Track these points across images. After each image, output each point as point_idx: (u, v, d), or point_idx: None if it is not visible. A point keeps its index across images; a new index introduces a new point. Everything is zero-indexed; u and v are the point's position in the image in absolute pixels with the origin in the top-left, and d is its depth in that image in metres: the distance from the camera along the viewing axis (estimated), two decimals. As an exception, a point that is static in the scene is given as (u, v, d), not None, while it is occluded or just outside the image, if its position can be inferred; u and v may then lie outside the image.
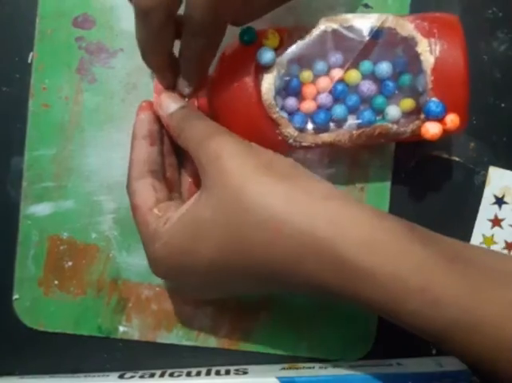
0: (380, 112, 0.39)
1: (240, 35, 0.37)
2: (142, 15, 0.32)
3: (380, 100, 0.39)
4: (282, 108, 0.39)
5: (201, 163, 0.34)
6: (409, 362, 0.41)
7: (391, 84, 0.38)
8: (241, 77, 0.37)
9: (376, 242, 0.31)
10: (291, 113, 0.39)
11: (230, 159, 0.33)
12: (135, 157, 0.38)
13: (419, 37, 0.37)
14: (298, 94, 0.39)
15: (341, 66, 0.39)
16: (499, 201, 0.43)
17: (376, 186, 0.42)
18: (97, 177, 0.42)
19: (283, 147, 0.38)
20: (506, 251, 0.42)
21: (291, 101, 0.39)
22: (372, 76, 0.39)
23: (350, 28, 0.37)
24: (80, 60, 0.42)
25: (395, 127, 0.38)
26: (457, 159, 0.43)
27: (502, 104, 0.43)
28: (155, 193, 0.37)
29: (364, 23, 0.37)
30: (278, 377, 0.38)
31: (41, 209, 0.42)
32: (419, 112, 0.38)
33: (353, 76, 0.38)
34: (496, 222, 0.43)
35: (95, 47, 0.41)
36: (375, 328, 0.42)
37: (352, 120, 0.39)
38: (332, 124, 0.39)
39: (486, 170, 0.43)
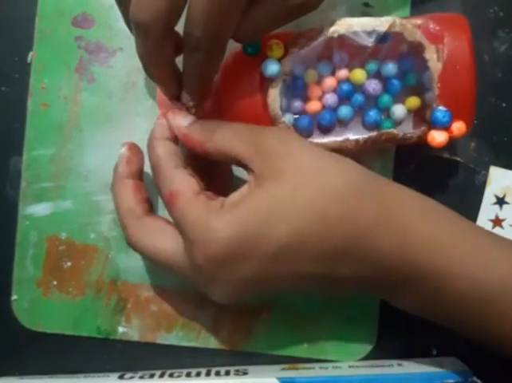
0: (385, 111, 0.39)
1: (244, 47, 0.38)
2: (141, 30, 0.33)
3: (385, 98, 0.39)
4: (288, 110, 0.39)
5: (256, 156, 0.35)
6: (409, 363, 0.41)
7: (396, 82, 0.39)
8: (246, 88, 0.38)
9: (429, 213, 0.35)
10: (297, 115, 0.39)
11: (296, 141, 0.35)
12: (163, 152, 0.36)
13: (426, 43, 0.37)
14: (304, 95, 0.39)
15: (346, 66, 0.39)
16: (500, 201, 0.43)
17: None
18: (96, 177, 0.42)
19: None
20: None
21: (297, 103, 0.39)
22: (377, 75, 0.39)
23: (356, 33, 0.37)
24: (80, 59, 0.42)
25: (401, 133, 0.38)
26: (458, 159, 0.43)
27: (503, 104, 0.43)
28: (195, 179, 0.36)
29: (370, 28, 0.37)
30: (278, 378, 0.38)
31: (40, 209, 0.42)
32: (424, 112, 0.38)
33: (359, 75, 0.38)
34: (497, 222, 0.43)
35: (94, 46, 0.42)
36: (375, 328, 0.43)
37: (357, 122, 0.39)
38: (337, 126, 0.40)
39: (487, 170, 0.43)
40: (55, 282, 0.42)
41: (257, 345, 0.43)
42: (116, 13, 0.41)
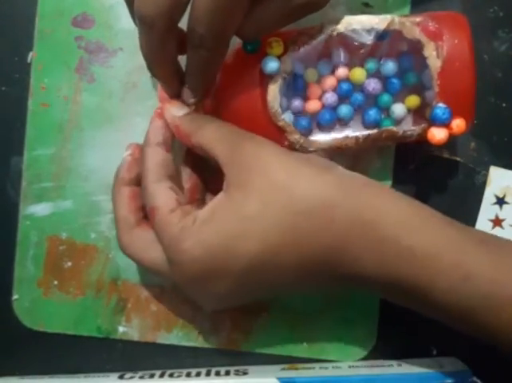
0: (385, 110, 0.39)
1: (243, 44, 0.38)
2: (145, 25, 0.33)
3: (385, 98, 0.39)
4: (288, 109, 0.39)
5: (232, 160, 0.35)
6: (409, 363, 0.41)
7: (396, 81, 0.39)
8: (246, 86, 0.38)
9: (413, 222, 0.34)
10: (296, 114, 0.39)
11: (272, 156, 0.35)
12: (151, 162, 0.37)
13: (425, 40, 0.37)
14: (303, 94, 0.39)
15: (346, 65, 0.39)
16: (500, 201, 0.43)
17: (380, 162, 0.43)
18: (96, 177, 0.42)
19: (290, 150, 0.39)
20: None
21: (297, 102, 0.39)
22: (377, 74, 0.39)
23: (355, 31, 0.37)
24: (80, 59, 0.42)
25: (401, 130, 0.38)
26: (458, 159, 0.43)
27: (503, 104, 0.43)
28: (175, 195, 0.37)
29: (369, 26, 0.37)
30: (278, 378, 0.38)
31: (40, 209, 0.42)
32: (424, 111, 0.38)
33: (358, 74, 0.39)
34: (497, 222, 0.43)
35: (94, 46, 0.42)
36: (375, 328, 0.43)
37: (357, 122, 0.39)
38: (337, 125, 0.40)
39: (487, 170, 0.43)
40: (55, 282, 0.42)
41: (257, 344, 0.43)
42: (116, 12, 0.42)
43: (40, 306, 0.42)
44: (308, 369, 0.41)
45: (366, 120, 0.39)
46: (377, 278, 0.34)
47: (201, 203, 0.39)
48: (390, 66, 0.39)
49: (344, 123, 0.40)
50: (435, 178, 0.43)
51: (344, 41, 0.38)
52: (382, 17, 0.37)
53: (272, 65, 0.37)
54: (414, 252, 0.33)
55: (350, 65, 0.39)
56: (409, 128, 0.38)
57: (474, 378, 0.39)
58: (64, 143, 0.42)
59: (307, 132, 0.39)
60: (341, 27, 0.37)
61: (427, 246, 0.33)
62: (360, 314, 0.43)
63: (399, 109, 0.39)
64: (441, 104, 0.37)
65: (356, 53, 0.38)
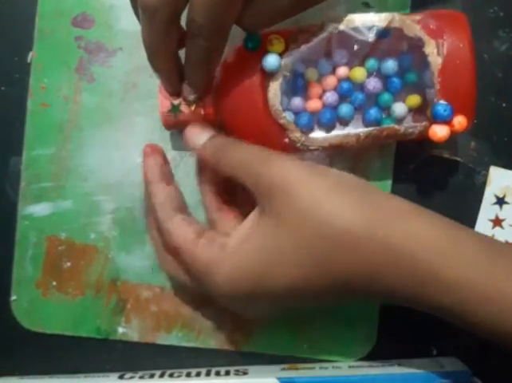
0: (386, 109, 0.39)
1: (244, 42, 0.38)
2: (148, 14, 0.33)
3: (385, 97, 0.39)
4: (288, 108, 0.39)
5: (260, 188, 0.34)
6: (409, 363, 0.41)
7: (396, 80, 0.39)
8: (246, 84, 0.38)
9: (450, 251, 0.32)
10: (297, 113, 0.39)
11: (299, 183, 0.33)
12: (157, 201, 0.38)
13: (426, 37, 0.37)
14: (304, 93, 0.40)
15: (346, 64, 0.39)
16: (500, 201, 0.43)
17: (376, 187, 0.42)
18: (96, 177, 0.42)
19: (290, 150, 0.39)
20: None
21: (297, 101, 0.39)
22: (377, 73, 0.39)
23: (356, 29, 0.38)
24: (79, 59, 0.42)
25: (402, 128, 0.38)
26: (458, 159, 0.43)
27: (504, 104, 0.43)
28: (190, 226, 0.37)
29: (369, 24, 0.37)
30: (278, 378, 0.38)
31: (40, 209, 0.42)
32: (425, 110, 0.38)
33: (359, 73, 0.39)
34: (497, 222, 0.43)
35: (94, 46, 0.42)
36: (375, 328, 0.43)
37: (358, 121, 0.40)
38: (338, 124, 0.40)
39: (487, 170, 0.43)
40: (54, 283, 0.42)
41: (257, 345, 0.43)
42: (116, 13, 0.42)
43: (39, 307, 0.42)
44: (308, 369, 0.41)
45: (367, 119, 0.39)
46: (415, 302, 0.33)
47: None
48: (390, 65, 0.39)
49: (344, 122, 0.40)
50: (435, 178, 0.43)
51: (345, 39, 0.38)
52: (383, 14, 0.37)
53: (273, 62, 0.37)
54: (450, 284, 0.31)
55: (350, 65, 0.39)
56: (410, 125, 0.39)
57: (474, 378, 0.39)
58: (63, 143, 0.42)
59: (308, 131, 0.39)
60: (342, 25, 0.37)
61: (464, 278, 0.31)
62: (360, 314, 0.43)
63: (399, 108, 0.39)
64: (442, 102, 0.37)
65: (357, 52, 0.39)
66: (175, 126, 0.40)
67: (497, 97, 0.43)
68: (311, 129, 0.40)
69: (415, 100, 0.39)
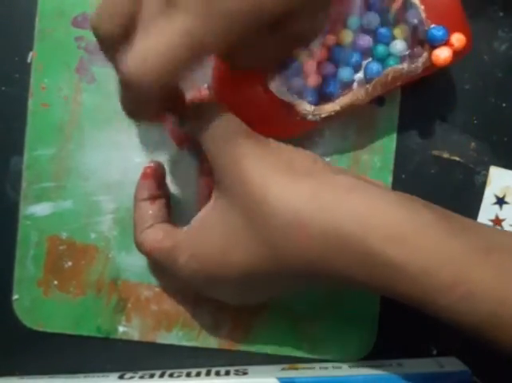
0: (383, 60, 0.39)
1: None
2: (134, 90, 0.31)
3: (380, 48, 0.39)
4: (290, 93, 0.39)
5: (218, 167, 0.34)
6: (409, 363, 0.42)
7: (384, 31, 0.39)
8: (246, 72, 0.38)
9: (404, 235, 0.30)
10: (299, 93, 0.39)
11: (249, 163, 0.33)
12: (138, 217, 0.39)
13: None
14: (300, 73, 0.39)
15: (330, 32, 0.39)
16: (500, 201, 0.43)
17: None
18: (96, 177, 0.42)
19: (306, 127, 0.39)
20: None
21: (297, 81, 0.39)
22: (362, 29, 0.39)
23: None
24: (80, 59, 0.42)
25: (405, 66, 0.38)
26: (457, 159, 0.43)
27: (503, 104, 0.43)
28: (160, 231, 0.38)
29: None
30: (278, 378, 0.39)
31: (41, 209, 0.42)
32: (421, 43, 0.38)
33: (345, 35, 0.39)
34: (497, 222, 0.43)
35: (94, 46, 0.42)
36: (375, 328, 0.43)
37: (360, 79, 0.39)
38: (342, 91, 0.40)
39: (487, 170, 0.43)
40: (56, 282, 0.42)
41: (258, 344, 0.43)
42: (116, 13, 0.42)
43: (40, 306, 0.42)
44: (308, 369, 0.41)
45: (368, 75, 0.39)
46: (371, 289, 0.32)
47: None
48: (372, 18, 0.39)
49: (347, 85, 0.39)
50: (435, 178, 0.43)
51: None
52: None
53: None
54: (407, 270, 0.30)
55: (334, 30, 0.39)
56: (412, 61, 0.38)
57: (474, 378, 0.40)
58: (64, 143, 0.42)
59: (314, 104, 0.39)
60: None
61: (421, 263, 0.30)
62: (360, 314, 0.43)
63: (397, 45, 0.39)
64: (433, 25, 0.37)
65: (337, 16, 0.39)
66: (186, 140, 0.41)
67: (497, 97, 0.43)
68: (317, 103, 0.39)
69: (401, 30, 0.39)
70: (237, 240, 0.33)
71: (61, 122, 0.42)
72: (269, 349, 0.43)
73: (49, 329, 0.43)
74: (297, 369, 0.41)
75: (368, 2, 0.39)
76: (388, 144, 0.43)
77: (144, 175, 0.40)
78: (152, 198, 0.39)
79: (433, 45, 0.38)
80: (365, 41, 0.39)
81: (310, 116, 0.39)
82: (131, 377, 0.40)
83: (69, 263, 0.43)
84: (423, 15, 0.38)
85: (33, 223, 0.42)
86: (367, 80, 0.39)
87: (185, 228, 0.37)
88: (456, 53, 0.38)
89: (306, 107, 0.38)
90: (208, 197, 0.38)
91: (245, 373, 0.40)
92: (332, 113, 0.39)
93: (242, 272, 0.34)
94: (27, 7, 0.42)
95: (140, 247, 0.39)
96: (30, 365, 0.43)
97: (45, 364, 0.43)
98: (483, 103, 0.43)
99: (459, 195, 0.43)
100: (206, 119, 0.36)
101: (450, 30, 0.37)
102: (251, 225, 0.33)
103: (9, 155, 0.42)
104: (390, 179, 0.43)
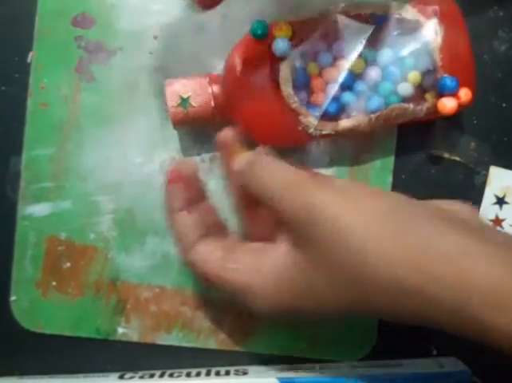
0: (386, 97, 0.40)
1: (253, 30, 0.38)
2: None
3: (386, 85, 0.40)
4: None
5: (295, 215, 0.33)
6: (410, 363, 0.42)
7: (394, 69, 0.40)
8: (257, 72, 0.39)
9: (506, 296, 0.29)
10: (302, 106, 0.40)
11: (344, 217, 0.31)
12: (178, 232, 0.38)
13: (423, 19, 0.39)
14: (307, 88, 0.40)
15: (345, 56, 0.40)
16: (500, 201, 0.43)
17: (376, 187, 0.43)
18: (96, 177, 0.43)
19: (303, 138, 0.40)
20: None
21: (302, 95, 0.40)
22: (375, 62, 0.40)
23: (355, 16, 0.39)
24: (79, 59, 0.42)
25: (411, 106, 0.39)
26: (457, 159, 0.43)
27: (503, 104, 0.44)
28: (214, 253, 0.36)
29: (369, 11, 0.39)
30: (278, 378, 0.39)
31: (39, 210, 0.42)
32: (424, 92, 0.40)
33: (358, 65, 0.40)
34: (497, 222, 0.43)
35: (94, 46, 0.42)
36: (375, 328, 0.43)
37: (361, 107, 0.40)
38: (343, 114, 0.40)
39: (487, 170, 0.43)
40: (54, 283, 0.43)
41: (258, 345, 0.43)
42: (117, 12, 0.42)
43: (38, 307, 0.42)
44: (308, 369, 0.41)
45: (368, 108, 0.40)
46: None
47: None
48: (387, 54, 0.40)
49: (348, 110, 0.40)
50: (435, 178, 0.43)
51: (343, 29, 0.39)
52: (380, 2, 0.39)
53: (283, 45, 0.38)
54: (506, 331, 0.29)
55: (349, 55, 0.40)
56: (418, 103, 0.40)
57: (474, 378, 0.40)
58: (63, 143, 0.42)
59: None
60: (340, 15, 0.39)
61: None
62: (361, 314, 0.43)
63: (404, 88, 0.40)
64: (447, 75, 0.39)
65: (356, 42, 0.39)
66: (184, 121, 0.40)
67: (497, 97, 0.44)
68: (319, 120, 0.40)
69: (415, 76, 0.40)
70: (317, 292, 0.32)
71: (60, 122, 0.42)
72: (269, 350, 0.43)
73: (47, 331, 0.43)
74: (297, 369, 0.41)
75: (387, 39, 0.40)
76: (388, 144, 0.43)
77: (171, 180, 0.38)
78: (188, 205, 0.38)
79: (442, 93, 0.39)
80: (375, 75, 0.40)
81: (312, 130, 0.39)
82: (132, 377, 0.40)
83: (68, 264, 0.43)
84: (439, 63, 0.39)
85: (31, 224, 0.42)
86: (366, 110, 0.40)
87: (248, 269, 0.35)
88: (460, 106, 0.39)
89: (311, 119, 0.39)
90: (260, 232, 0.37)
91: (245, 373, 0.40)
92: (333, 133, 0.40)
93: (314, 313, 0.34)
94: (27, 7, 0.42)
95: (193, 268, 0.37)
96: (30, 365, 0.43)
97: (45, 365, 0.43)
98: (484, 103, 0.43)
99: (459, 195, 0.43)
100: (259, 167, 0.36)
101: (459, 82, 0.39)
102: (339, 281, 0.32)
103: (8, 155, 0.43)
104: (390, 179, 0.43)
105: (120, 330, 0.43)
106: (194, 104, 0.39)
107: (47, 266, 0.42)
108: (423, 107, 0.40)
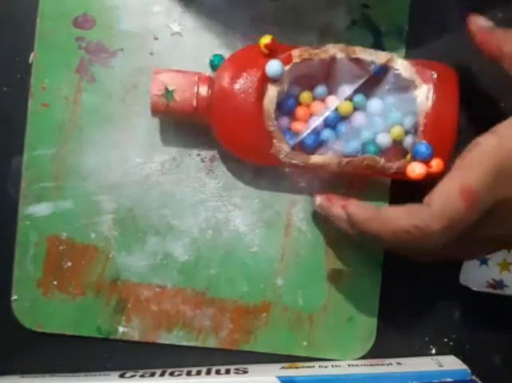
0: (365, 144, 0.41)
1: (211, 62, 0.41)
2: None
3: (366, 134, 0.41)
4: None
5: None
6: (409, 362, 0.43)
7: (379, 120, 0.41)
8: (244, 86, 0.39)
9: None
10: (282, 132, 0.41)
11: None
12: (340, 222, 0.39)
13: (419, 81, 0.40)
14: (291, 114, 0.41)
15: (337, 95, 0.41)
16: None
17: (376, 187, 0.44)
18: (96, 177, 0.43)
19: (273, 161, 0.41)
20: (504, 251, 0.44)
21: (285, 120, 0.41)
22: (363, 109, 0.41)
23: (356, 60, 0.40)
24: (80, 60, 0.43)
25: (382, 161, 0.40)
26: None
27: (502, 104, 0.45)
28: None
29: (369, 58, 0.40)
30: (278, 377, 0.40)
31: (40, 209, 0.43)
32: (403, 150, 0.41)
33: (346, 107, 0.41)
34: (496, 222, 0.44)
35: (95, 47, 0.43)
36: (375, 327, 0.44)
37: (339, 147, 0.41)
38: (319, 148, 0.41)
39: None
40: (55, 282, 0.43)
41: (258, 344, 0.44)
42: (117, 13, 0.43)
43: (39, 307, 0.43)
44: (307, 367, 0.42)
45: (346, 150, 0.41)
46: None
47: None
48: (376, 104, 0.41)
49: (326, 146, 0.41)
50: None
51: (344, 68, 0.40)
52: (383, 53, 0.40)
53: (276, 68, 0.39)
54: None
55: (341, 95, 0.41)
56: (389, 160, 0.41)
57: (473, 377, 0.41)
58: (64, 143, 0.43)
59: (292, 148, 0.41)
60: (344, 53, 0.40)
61: None
62: (360, 313, 0.44)
63: (384, 139, 0.41)
64: (425, 142, 0.39)
65: (351, 84, 0.41)
66: (163, 112, 0.41)
67: (497, 97, 0.44)
68: (294, 149, 0.41)
69: (398, 131, 0.41)
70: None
71: (61, 122, 0.43)
72: (270, 349, 0.44)
73: (48, 330, 0.44)
74: (296, 367, 0.42)
75: (379, 90, 0.41)
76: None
77: (328, 206, 0.41)
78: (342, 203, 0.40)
79: (415, 157, 0.40)
80: (360, 121, 0.41)
81: (282, 156, 0.40)
82: (132, 376, 0.41)
83: (69, 263, 0.44)
84: (422, 128, 0.40)
85: (32, 223, 0.43)
86: (342, 151, 0.41)
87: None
88: (429, 175, 0.40)
89: (284, 146, 0.40)
90: None
91: (245, 372, 0.41)
92: (301, 164, 0.41)
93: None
94: (28, 8, 0.43)
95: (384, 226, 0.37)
96: (31, 364, 0.43)
97: (46, 363, 0.44)
98: (483, 103, 0.44)
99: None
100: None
101: (435, 151, 0.39)
102: None
103: (10, 155, 0.43)
104: (389, 179, 0.44)
105: (121, 329, 0.44)
106: (177, 98, 0.40)
107: (48, 265, 0.43)
108: (394, 165, 0.40)
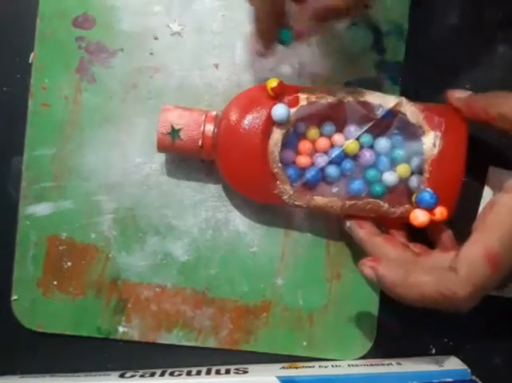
0: (370, 183, 0.41)
1: (279, 36, 0.39)
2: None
3: (372, 172, 0.41)
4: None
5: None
6: (409, 362, 0.43)
7: (385, 160, 0.41)
8: (250, 128, 0.39)
9: None
10: (285, 165, 0.41)
11: None
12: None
13: (426, 127, 0.40)
14: (295, 148, 0.41)
15: (344, 134, 0.41)
16: (499, 201, 0.44)
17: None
18: (96, 177, 0.44)
19: (276, 201, 0.41)
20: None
21: (289, 154, 0.41)
22: (370, 148, 0.41)
23: (364, 103, 0.40)
24: (80, 60, 0.43)
25: (385, 206, 0.40)
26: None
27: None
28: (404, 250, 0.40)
29: (378, 102, 0.40)
30: (278, 377, 0.40)
31: (40, 209, 0.43)
32: (408, 191, 0.41)
33: (352, 147, 0.41)
34: (496, 222, 0.44)
35: (95, 47, 0.43)
36: (374, 327, 0.44)
37: (343, 185, 0.41)
38: (323, 184, 0.41)
39: (486, 170, 0.44)
40: (55, 282, 0.44)
41: (258, 344, 0.44)
42: (117, 13, 0.43)
43: (39, 307, 0.43)
44: (307, 367, 0.42)
45: (350, 189, 0.41)
46: None
47: None
48: (383, 144, 0.41)
49: (329, 182, 0.41)
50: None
51: (352, 110, 0.40)
52: (392, 97, 0.40)
53: (282, 113, 0.39)
54: None
55: (348, 134, 0.41)
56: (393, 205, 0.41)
57: (473, 377, 0.41)
58: (64, 143, 0.43)
59: (292, 182, 0.41)
60: (353, 97, 0.40)
61: None
62: (360, 313, 0.44)
63: (390, 177, 0.41)
64: (429, 190, 0.39)
65: (357, 125, 0.41)
66: (168, 149, 0.41)
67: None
68: (297, 185, 0.41)
69: (404, 169, 0.40)
70: None
71: (61, 122, 0.43)
72: (270, 349, 0.44)
73: (48, 330, 0.44)
74: (296, 367, 0.42)
75: (386, 133, 0.41)
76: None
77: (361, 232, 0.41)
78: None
79: (418, 205, 0.40)
80: (366, 160, 0.41)
81: (286, 197, 0.40)
82: (132, 376, 0.41)
83: (69, 263, 0.44)
84: (427, 175, 0.39)
85: (32, 223, 0.43)
86: (347, 191, 0.41)
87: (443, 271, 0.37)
88: (432, 222, 0.40)
89: (287, 188, 0.40)
90: None
91: (245, 372, 0.41)
92: (304, 206, 0.41)
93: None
94: (28, 8, 0.43)
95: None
96: (31, 365, 0.44)
97: (46, 364, 0.44)
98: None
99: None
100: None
101: (440, 199, 0.39)
102: None
103: (10, 155, 0.43)
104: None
105: (121, 329, 0.44)
106: (182, 137, 0.41)
107: (48, 265, 0.43)
108: (398, 210, 0.40)
